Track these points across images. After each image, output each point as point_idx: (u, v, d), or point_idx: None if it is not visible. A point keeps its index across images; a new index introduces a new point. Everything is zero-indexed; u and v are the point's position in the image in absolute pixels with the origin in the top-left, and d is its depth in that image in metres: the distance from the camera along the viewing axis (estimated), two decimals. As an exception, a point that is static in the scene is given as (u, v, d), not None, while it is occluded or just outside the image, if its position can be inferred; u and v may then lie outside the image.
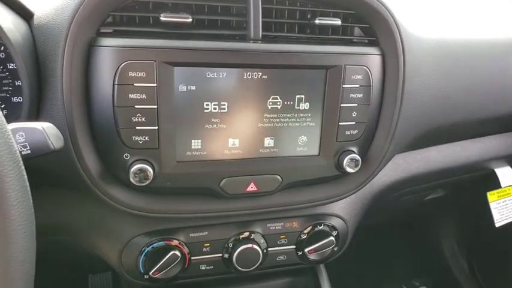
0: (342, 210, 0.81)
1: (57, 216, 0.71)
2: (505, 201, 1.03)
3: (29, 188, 0.37)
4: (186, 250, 0.71)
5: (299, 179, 0.70)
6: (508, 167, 1.05)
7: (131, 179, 0.59)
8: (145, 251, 0.69)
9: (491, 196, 1.03)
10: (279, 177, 0.68)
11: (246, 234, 0.74)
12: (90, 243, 0.74)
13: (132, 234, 0.70)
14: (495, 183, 1.06)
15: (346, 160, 0.68)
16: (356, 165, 0.69)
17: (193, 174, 0.64)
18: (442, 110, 0.79)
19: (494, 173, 1.05)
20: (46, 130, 0.45)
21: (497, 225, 1.04)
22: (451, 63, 0.80)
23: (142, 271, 0.70)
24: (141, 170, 0.59)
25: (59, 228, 0.72)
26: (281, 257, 0.78)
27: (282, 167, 0.68)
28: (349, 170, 0.69)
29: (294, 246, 0.78)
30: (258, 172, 0.67)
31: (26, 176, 0.37)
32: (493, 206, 1.03)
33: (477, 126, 0.92)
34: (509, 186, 1.05)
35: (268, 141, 0.67)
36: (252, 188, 0.67)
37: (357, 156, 0.69)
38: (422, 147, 0.92)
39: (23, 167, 0.37)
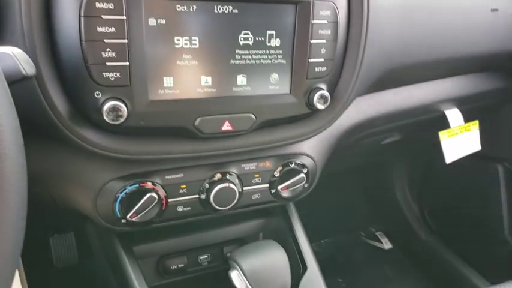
0: (311, 150, 0.84)
1: (28, 166, 0.68)
2: (454, 139, 1.12)
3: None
4: (162, 192, 0.72)
5: (272, 118, 0.72)
6: (456, 109, 1.13)
7: (105, 117, 0.58)
8: (121, 195, 0.69)
9: (443, 135, 1.11)
10: (252, 115, 0.69)
11: (222, 174, 0.76)
12: (63, 193, 0.72)
13: (106, 179, 0.69)
14: (446, 125, 1.14)
15: (316, 97, 0.71)
16: (325, 102, 0.72)
17: (167, 113, 0.64)
18: (406, 49, 0.83)
19: (445, 115, 1.13)
20: (17, 56, 0.43)
21: (447, 161, 1.12)
22: (416, 3, 0.84)
23: (119, 215, 0.70)
24: (114, 108, 0.58)
25: (29, 179, 0.69)
26: (256, 196, 0.80)
27: (255, 106, 0.69)
28: (319, 106, 0.71)
29: (268, 185, 0.81)
30: (232, 111, 0.68)
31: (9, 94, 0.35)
32: (444, 144, 1.11)
33: (436, 68, 0.98)
34: (457, 126, 1.14)
35: (241, 79, 0.67)
36: (227, 127, 0.68)
37: (326, 93, 0.71)
38: (382, 89, 0.97)
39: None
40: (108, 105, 0.58)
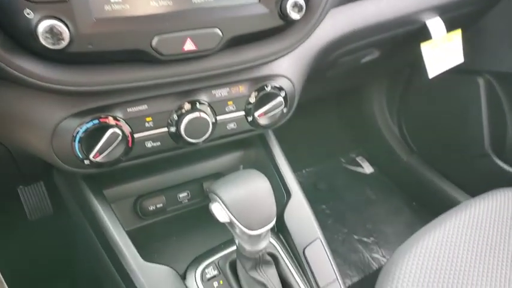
0: (287, 70, 0.77)
1: None
2: (436, 51, 1.06)
3: None
4: (126, 128, 0.64)
5: (241, 32, 0.63)
6: (438, 18, 1.06)
7: (42, 41, 0.49)
8: (80, 134, 0.61)
9: (424, 47, 1.05)
10: (218, 30, 0.61)
11: (191, 104, 0.68)
12: (15, 139, 0.64)
13: (60, 117, 0.60)
14: (427, 39, 1.07)
15: (289, 5, 0.62)
16: (300, 10, 0.64)
17: (117, 34, 0.55)
18: None
19: (426, 26, 1.06)
20: None
21: (430, 76, 1.07)
22: None
23: (80, 156, 0.63)
24: (52, 30, 0.49)
25: None
26: (231, 125, 0.74)
27: (220, 19, 0.60)
28: (293, 16, 0.63)
29: (243, 112, 0.74)
30: (194, 26, 0.59)
31: None
32: (426, 57, 1.05)
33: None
34: (439, 37, 1.07)
35: (201, -12, 0.58)
36: (190, 46, 0.60)
37: (301, 0, 0.63)
38: (360, -1, 0.88)
39: None
40: (43, 26, 0.49)
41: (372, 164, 1.96)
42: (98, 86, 0.58)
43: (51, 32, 0.49)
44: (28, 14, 0.48)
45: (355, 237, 1.65)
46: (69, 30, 0.50)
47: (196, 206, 0.90)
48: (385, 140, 1.83)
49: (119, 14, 0.54)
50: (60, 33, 0.50)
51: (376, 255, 1.60)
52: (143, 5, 0.55)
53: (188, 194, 0.89)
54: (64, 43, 0.50)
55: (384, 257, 1.60)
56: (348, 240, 1.64)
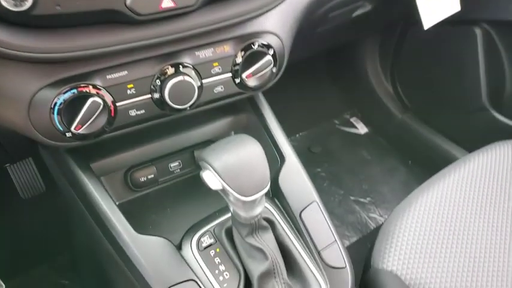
0: (275, 26, 0.73)
1: None
2: (431, 0, 1.01)
3: None
4: (108, 96, 0.61)
5: (222, -14, 0.59)
6: (432, -35, 1.01)
7: (3, 2, 0.45)
8: (58, 105, 0.58)
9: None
10: (197, -15, 0.56)
11: (174, 67, 0.64)
12: None
13: (34, 87, 0.56)
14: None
15: None
16: None
17: (89, -7, 0.50)
18: None
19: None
20: None
21: (426, 27, 1.03)
22: None
23: (61, 129, 0.59)
24: None
25: None
26: (218, 88, 0.70)
27: (198, -29, 0.56)
28: None
29: (230, 74, 0.70)
30: (170, -20, 0.55)
31: None
32: (420, 6, 1.00)
33: None
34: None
35: None
36: (167, 3, 0.55)
37: None
38: None
39: None
40: None
41: (366, 124, 1.94)
42: (72, 52, 0.54)
43: None
44: None
45: (352, 198, 1.66)
46: None
47: (188, 175, 0.88)
48: (379, 99, 1.80)
49: (87, -31, 0.50)
50: None
51: (373, 215, 1.61)
52: (113, -41, 0.51)
53: (180, 163, 0.87)
54: (28, 4, 0.46)
55: (381, 216, 1.61)
56: (345, 202, 1.64)
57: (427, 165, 1.41)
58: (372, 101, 1.83)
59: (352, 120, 1.97)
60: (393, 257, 0.86)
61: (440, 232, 0.93)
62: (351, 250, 1.49)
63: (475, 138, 1.31)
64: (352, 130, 1.94)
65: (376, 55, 1.74)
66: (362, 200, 1.66)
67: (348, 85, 1.94)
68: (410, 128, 1.74)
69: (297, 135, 1.86)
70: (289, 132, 1.92)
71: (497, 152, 1.11)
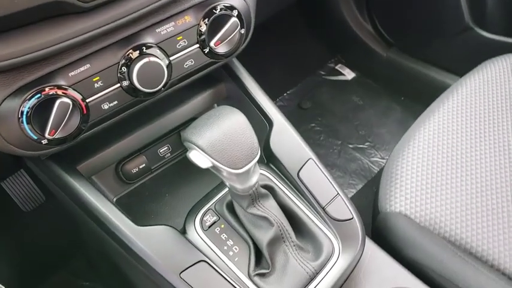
0: (234, -15, 0.68)
1: None
2: None
3: None
4: (75, 94, 0.58)
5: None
6: None
7: None
8: (25, 113, 0.55)
9: None
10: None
11: (138, 49, 0.61)
12: None
13: (-5, 100, 0.54)
14: None
15: None
16: None
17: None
18: None
19: None
20: None
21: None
22: None
23: (35, 137, 0.57)
24: None
25: None
26: (188, 63, 0.67)
27: None
28: None
29: (198, 45, 0.67)
30: (110, -43, 0.51)
31: None
32: None
33: None
34: None
35: None
36: (113, -17, 0.52)
37: None
38: None
39: None
40: None
41: (352, 69, 1.90)
42: (26, 55, 0.51)
43: None
44: None
45: (350, 146, 1.65)
46: None
47: (180, 158, 0.86)
48: (360, 40, 1.75)
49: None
50: None
51: (374, 159, 1.61)
52: None
53: (168, 147, 0.85)
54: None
55: (383, 158, 1.60)
56: (344, 151, 1.64)
57: (421, 98, 1.38)
58: (353, 44, 1.78)
59: (338, 67, 1.93)
60: (399, 198, 0.86)
61: (443, 163, 0.92)
62: (359, 198, 1.50)
63: (465, 61, 1.28)
64: (339, 77, 1.91)
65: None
66: (361, 146, 1.65)
67: (326, 33, 1.89)
68: (397, 64, 1.70)
69: (285, 94, 1.83)
70: (276, 93, 1.89)
71: (488, 70, 1.09)
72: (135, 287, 0.85)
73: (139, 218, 0.69)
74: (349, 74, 1.90)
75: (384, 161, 1.59)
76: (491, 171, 0.91)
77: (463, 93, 1.07)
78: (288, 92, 1.84)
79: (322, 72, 1.92)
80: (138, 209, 0.80)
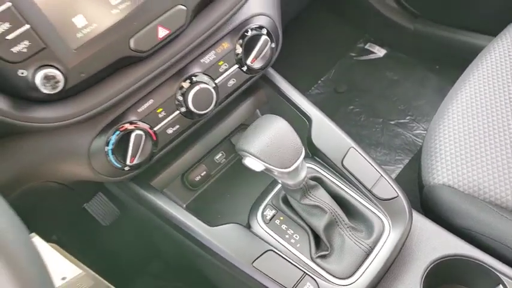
0: (259, 7, 0.77)
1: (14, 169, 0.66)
2: None
3: None
4: (145, 126, 0.70)
5: (200, -2, 0.65)
6: None
7: (44, 91, 0.54)
8: (110, 148, 0.67)
9: None
10: (181, 6, 0.62)
11: (189, 80, 0.72)
12: (67, 177, 0.72)
13: (86, 143, 0.66)
14: None
15: None
16: None
17: (99, 52, 0.58)
18: None
19: None
20: None
21: None
22: None
23: (120, 166, 0.69)
24: (46, 76, 0.54)
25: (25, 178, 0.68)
26: (231, 82, 0.77)
27: (177, -6, 0.62)
28: None
29: (237, 65, 0.77)
30: (158, 13, 0.61)
31: None
32: None
33: None
34: None
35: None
36: (163, 32, 0.62)
37: None
38: None
39: None
40: (39, 77, 0.54)
41: (382, 46, 1.92)
42: (103, 105, 0.63)
43: (47, 78, 0.54)
44: (22, 73, 0.53)
45: (392, 122, 1.68)
46: (59, 70, 0.55)
47: (233, 162, 0.97)
48: (385, 16, 1.76)
49: (91, 34, 0.57)
50: (54, 77, 0.54)
51: (417, 131, 1.64)
52: (107, 17, 0.58)
53: (223, 153, 0.95)
54: (61, 83, 0.55)
55: (425, 130, 1.63)
56: (387, 128, 1.68)
57: (456, 64, 1.35)
58: (379, 22, 1.80)
59: (367, 46, 1.96)
60: (441, 169, 0.90)
61: (481, 129, 0.94)
62: (409, 171, 1.54)
63: (496, 21, 1.25)
64: (371, 56, 1.93)
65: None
66: (402, 120, 1.69)
67: (350, 15, 1.92)
68: (426, 33, 1.70)
69: (319, 81, 1.89)
70: (310, 82, 1.94)
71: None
72: (210, 280, 0.97)
73: (209, 218, 0.81)
74: (379, 51, 1.92)
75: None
76: (530, 131, 0.92)
77: (497, 54, 1.06)
78: (322, 79, 1.89)
79: (353, 54, 1.95)
80: (206, 211, 0.92)
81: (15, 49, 0.52)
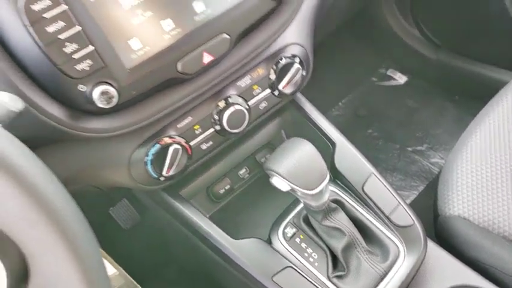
0: (294, 37, 0.82)
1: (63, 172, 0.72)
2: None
3: None
4: (182, 140, 0.75)
5: (244, 27, 0.70)
6: None
7: (99, 105, 0.60)
8: (149, 159, 0.73)
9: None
10: (225, 35, 0.68)
11: (225, 100, 0.77)
12: (105, 182, 0.78)
13: (128, 153, 0.72)
14: None
15: None
16: None
17: (149, 73, 0.64)
18: None
19: None
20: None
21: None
22: None
23: (156, 176, 0.75)
24: (102, 92, 0.59)
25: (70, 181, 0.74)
26: (263, 104, 0.82)
27: (224, 24, 0.68)
28: None
29: (269, 90, 0.82)
30: (204, 40, 0.67)
31: None
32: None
33: None
34: None
35: (199, 6, 0.65)
36: (208, 58, 0.68)
37: None
38: None
39: None
40: (96, 93, 0.59)
41: (403, 73, 1.96)
42: (147, 120, 0.68)
43: (103, 94, 0.60)
44: (82, 88, 0.59)
45: (409, 149, 1.71)
46: (114, 87, 0.61)
47: (255, 178, 1.01)
48: (408, 45, 1.80)
49: (144, 56, 0.63)
50: (109, 93, 0.60)
51: (434, 160, 1.67)
52: (159, 41, 0.64)
53: (246, 169, 1.00)
54: (115, 99, 0.61)
55: (442, 159, 1.65)
56: (404, 154, 1.71)
57: (475, 96, 1.40)
58: (402, 50, 1.84)
59: (389, 72, 2.00)
60: (457, 201, 0.93)
61: (500, 165, 0.96)
62: (423, 199, 1.56)
63: None
64: (392, 82, 1.97)
65: (391, 3, 1.74)
66: (419, 148, 1.71)
67: (373, 41, 1.96)
68: (448, 64, 1.73)
69: (340, 103, 1.93)
70: (331, 103, 1.98)
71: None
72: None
73: (230, 231, 0.85)
74: (400, 78, 1.96)
75: (443, 161, 1.64)
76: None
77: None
78: (342, 101, 1.93)
79: (374, 79, 1.99)
80: (228, 223, 0.96)
81: (79, 67, 0.58)
